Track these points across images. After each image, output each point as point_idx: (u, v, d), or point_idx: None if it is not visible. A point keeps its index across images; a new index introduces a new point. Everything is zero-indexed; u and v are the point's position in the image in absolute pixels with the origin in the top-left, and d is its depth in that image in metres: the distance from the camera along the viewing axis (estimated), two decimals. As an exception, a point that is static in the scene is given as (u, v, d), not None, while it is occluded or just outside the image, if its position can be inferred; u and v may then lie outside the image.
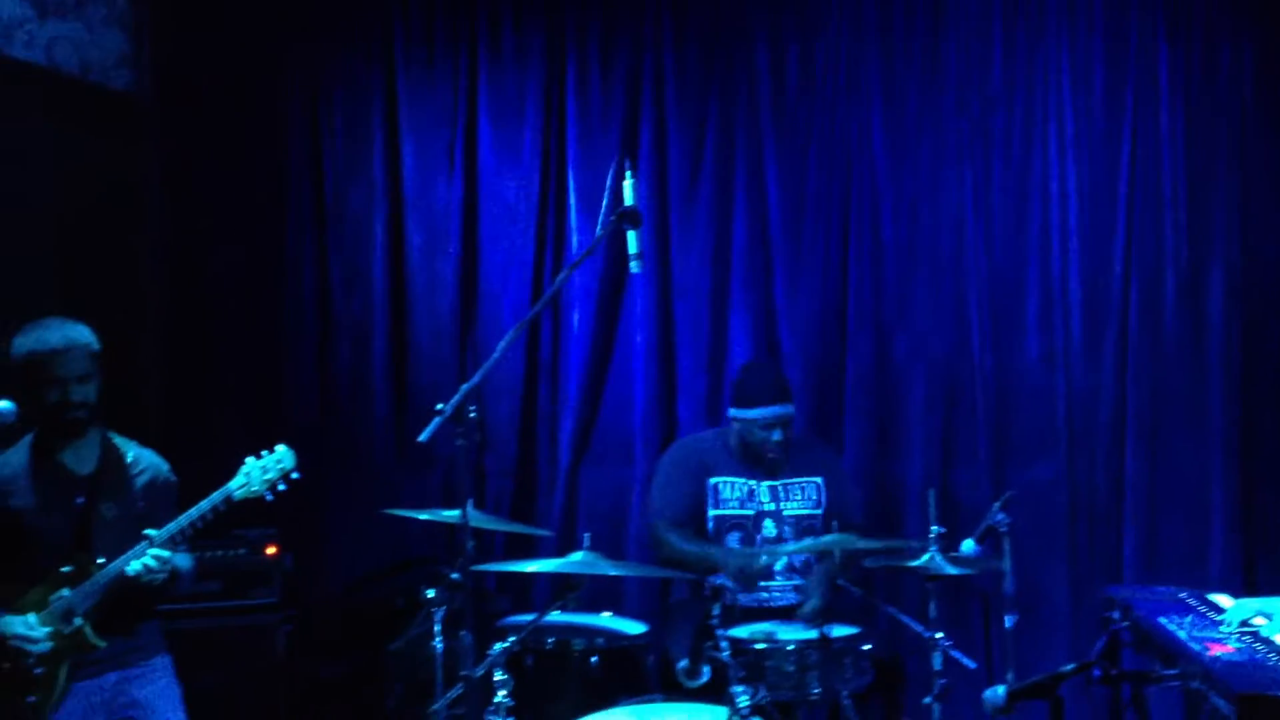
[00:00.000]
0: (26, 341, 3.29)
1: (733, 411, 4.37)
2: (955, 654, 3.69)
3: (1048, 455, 4.86)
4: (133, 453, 3.47)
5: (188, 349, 5.16)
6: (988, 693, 2.72)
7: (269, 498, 3.30)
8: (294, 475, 3.31)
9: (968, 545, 3.73)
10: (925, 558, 3.73)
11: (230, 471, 3.33)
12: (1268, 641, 3.02)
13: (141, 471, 3.45)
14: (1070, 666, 2.70)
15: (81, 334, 3.33)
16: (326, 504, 3.43)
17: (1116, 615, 3.41)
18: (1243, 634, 3.08)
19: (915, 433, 4.96)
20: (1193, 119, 4.82)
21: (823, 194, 5.06)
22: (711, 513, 4.36)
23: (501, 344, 3.20)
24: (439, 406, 3.05)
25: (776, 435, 4.26)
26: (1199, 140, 4.82)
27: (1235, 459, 4.76)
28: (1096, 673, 3.09)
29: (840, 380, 5.04)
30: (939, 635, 3.68)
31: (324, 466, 3.43)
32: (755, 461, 4.33)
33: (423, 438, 3.01)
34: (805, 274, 5.06)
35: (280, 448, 3.31)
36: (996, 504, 3.67)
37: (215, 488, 3.33)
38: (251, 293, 5.20)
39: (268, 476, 3.27)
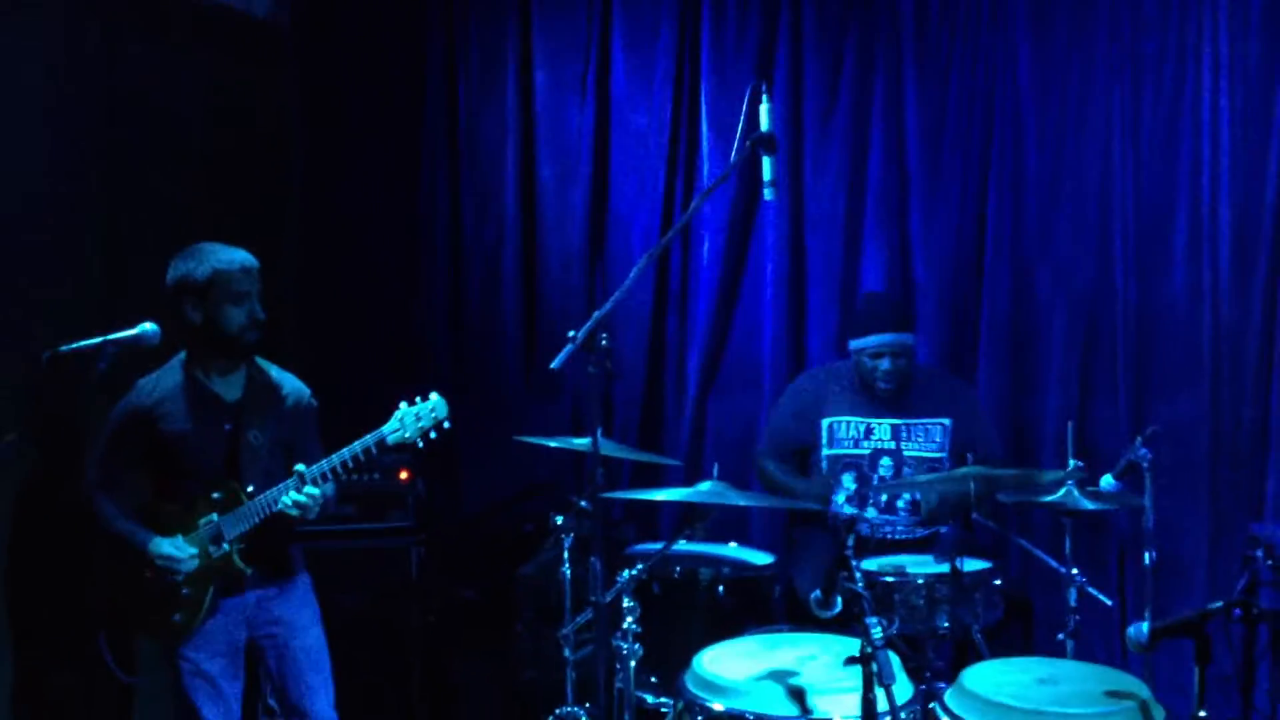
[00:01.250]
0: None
1: (850, 342, 4.33)
2: (1091, 590, 3.62)
3: (1190, 392, 4.69)
4: (275, 378, 3.51)
5: (323, 276, 5.28)
6: (1131, 629, 2.67)
7: (420, 445, 3.29)
8: (446, 425, 3.30)
9: (1107, 480, 3.63)
10: (1061, 492, 3.66)
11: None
12: None
13: (285, 396, 3.49)
14: (1218, 604, 2.63)
15: (251, 255, 3.36)
16: (458, 430, 3.47)
17: (1259, 554, 3.30)
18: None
19: (1053, 367, 4.84)
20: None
21: (962, 123, 4.93)
22: (826, 452, 4.34)
23: (633, 272, 3.19)
24: (570, 334, 3.07)
25: (885, 364, 4.21)
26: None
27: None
28: (1237, 611, 3.02)
29: (976, 314, 4.94)
30: (1074, 571, 3.62)
31: (455, 394, 3.44)
32: (874, 394, 4.28)
33: (555, 364, 3.03)
34: (941, 205, 4.95)
35: (434, 395, 3.30)
36: (1139, 438, 3.56)
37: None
38: (386, 220, 5.29)
39: (421, 424, 3.26)
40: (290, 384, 3.54)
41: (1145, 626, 2.64)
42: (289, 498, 3.24)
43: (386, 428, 3.27)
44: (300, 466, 3.26)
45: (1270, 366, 4.65)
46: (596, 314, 3.11)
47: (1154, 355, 4.76)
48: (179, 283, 3.30)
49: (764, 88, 3.30)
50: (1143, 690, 2.90)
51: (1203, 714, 2.57)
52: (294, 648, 3.48)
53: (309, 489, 3.24)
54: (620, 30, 5.15)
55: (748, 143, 3.30)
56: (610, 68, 5.19)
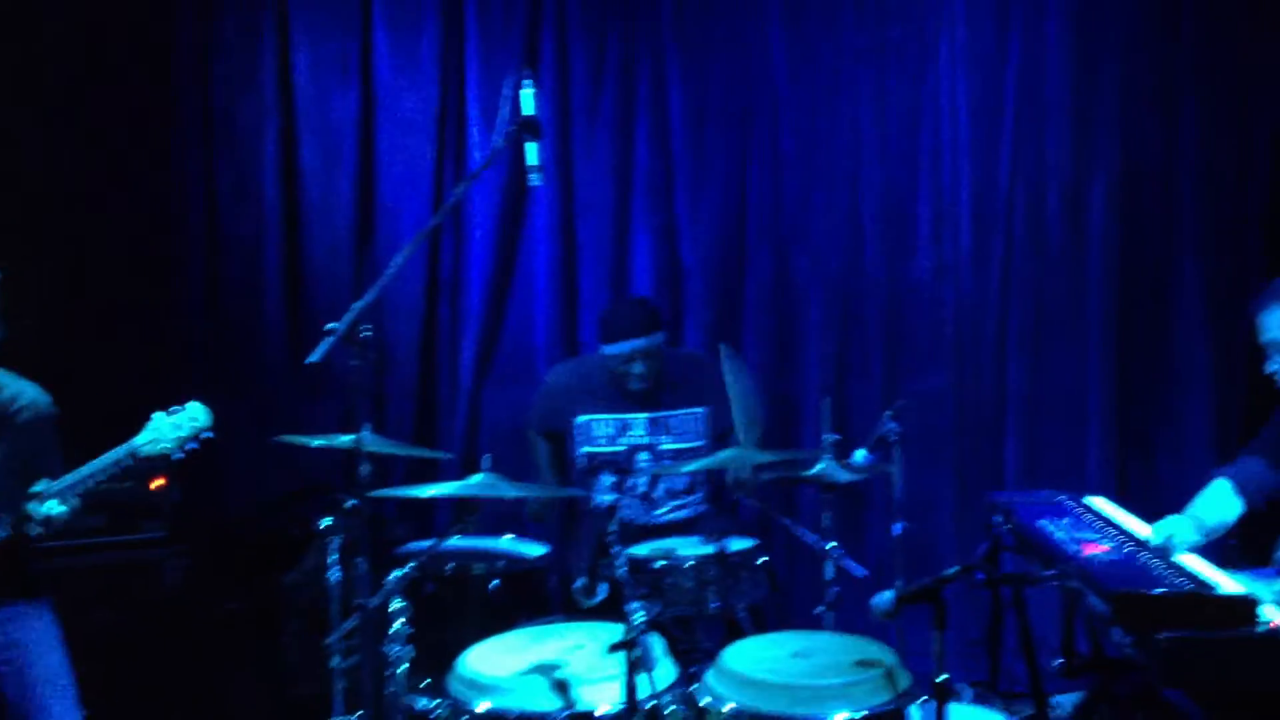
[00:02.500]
0: None
1: (601, 348, 4.36)
2: (846, 562, 3.77)
3: (937, 366, 4.99)
4: (12, 386, 3.33)
5: (65, 277, 4.98)
6: (875, 598, 2.78)
7: (178, 456, 3.18)
8: (206, 434, 3.20)
9: (860, 454, 3.79)
10: (819, 466, 3.79)
11: (118, 404, 3.23)
12: (1140, 542, 3.13)
13: (21, 408, 3.31)
14: (953, 570, 2.76)
15: None
16: (221, 433, 3.35)
17: (998, 520, 3.51)
18: (1116, 535, 3.19)
19: (812, 347, 5.04)
20: (1077, 32, 4.88)
21: (724, 110, 5.06)
22: (583, 450, 4.35)
23: (396, 260, 3.17)
24: (329, 326, 3.01)
25: (637, 368, 4.25)
26: (1082, 53, 4.89)
27: (1111, 370, 4.92)
28: (980, 576, 3.19)
29: (740, 296, 5.08)
30: (831, 545, 3.76)
31: (216, 394, 3.32)
32: (627, 391, 4.34)
33: (313, 358, 2.98)
34: (706, 190, 5.07)
35: (193, 404, 3.19)
36: (888, 412, 3.74)
37: (101, 423, 3.22)
38: (134, 212, 4.98)
39: (180, 434, 3.15)
40: (27, 393, 3.34)
41: (889, 594, 2.76)
42: (42, 510, 3.09)
43: (139, 439, 3.15)
44: (40, 485, 3.09)
45: (1005, 341, 4.95)
46: (357, 305, 3.06)
47: (904, 332, 5.02)
48: None
49: (527, 73, 3.31)
50: (889, 657, 3.05)
51: (943, 677, 2.68)
52: (33, 673, 3.31)
53: (48, 508, 3.08)
54: (382, 12, 5.04)
55: (512, 128, 3.31)
56: (373, 50, 5.07)
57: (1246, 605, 2.58)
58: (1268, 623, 2.56)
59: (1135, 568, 2.88)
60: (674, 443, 4.33)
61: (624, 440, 4.34)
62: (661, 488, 4.36)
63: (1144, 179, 4.91)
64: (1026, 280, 4.95)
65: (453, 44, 5.06)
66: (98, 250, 4.96)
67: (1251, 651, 2.51)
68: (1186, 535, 3.13)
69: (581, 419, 4.34)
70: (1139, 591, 2.64)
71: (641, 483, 4.35)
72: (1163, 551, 3.13)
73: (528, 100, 3.30)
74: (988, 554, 3.32)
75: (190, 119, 5.04)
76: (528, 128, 3.29)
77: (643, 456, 4.34)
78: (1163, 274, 4.95)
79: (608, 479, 4.31)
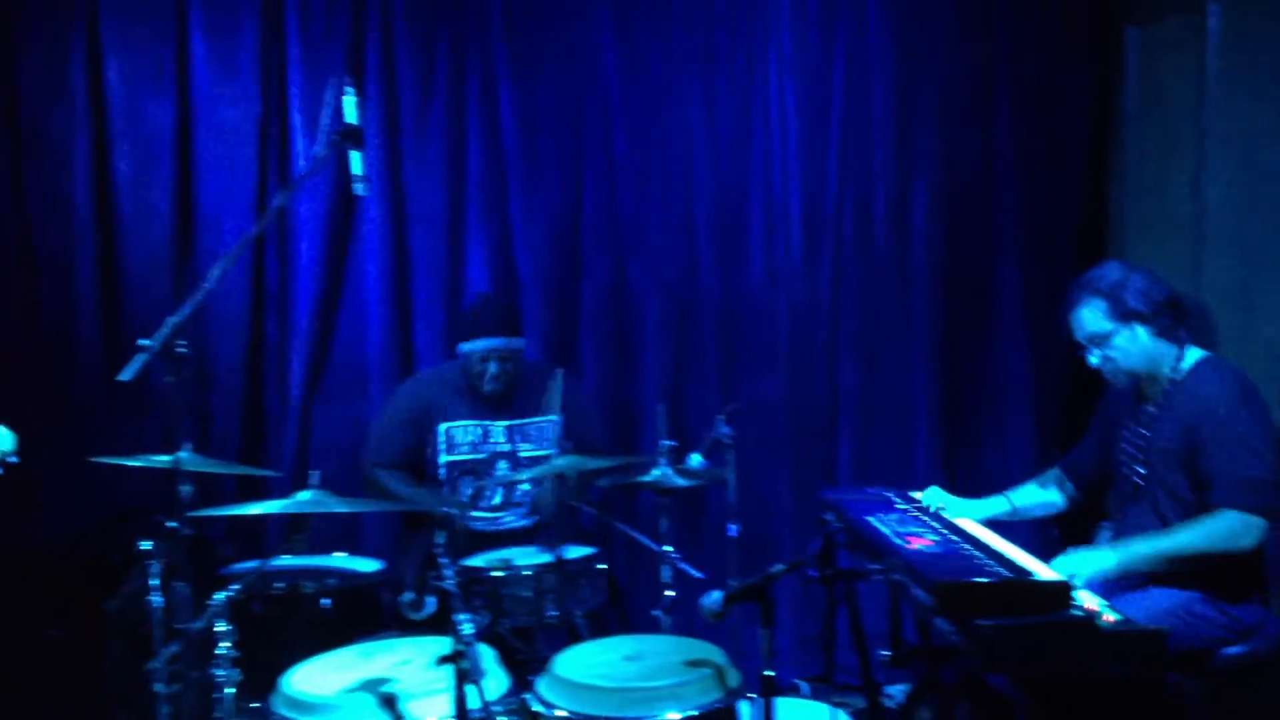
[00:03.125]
0: None
1: (458, 345, 4.33)
2: (683, 565, 3.80)
3: (772, 371, 5.05)
4: None
5: None
6: (704, 599, 2.81)
7: None
8: (11, 459, 3.06)
9: (695, 458, 3.83)
10: (656, 472, 3.83)
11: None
12: (963, 534, 3.24)
13: None
14: (780, 567, 2.81)
15: None
16: (34, 456, 3.19)
17: (830, 517, 3.58)
18: (942, 528, 3.28)
19: (650, 353, 5.05)
20: (898, 43, 5.01)
21: (557, 115, 5.03)
22: (444, 459, 4.32)
23: (213, 273, 3.06)
24: (142, 343, 2.91)
25: (493, 368, 4.24)
26: (904, 63, 5.02)
27: (937, 369, 5.06)
28: (813, 573, 3.25)
29: (577, 304, 5.07)
30: (667, 548, 3.78)
31: (30, 415, 3.16)
32: (485, 398, 4.30)
33: (125, 376, 2.87)
34: (541, 198, 5.04)
35: None
36: (720, 416, 3.78)
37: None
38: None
39: None
40: None
41: (718, 595, 2.78)
42: None
43: None
44: None
45: (837, 344, 5.06)
46: (171, 320, 2.96)
47: (739, 338, 5.07)
48: None
49: (348, 80, 3.26)
50: (719, 656, 3.09)
51: (769, 673, 2.72)
52: None
53: None
54: (199, 17, 4.86)
55: (334, 137, 3.25)
56: (190, 57, 4.88)
57: (1062, 590, 2.67)
58: (1082, 606, 2.66)
59: (957, 559, 2.96)
60: (532, 450, 4.33)
61: (486, 448, 4.32)
62: (504, 495, 4.34)
63: (965, 185, 5.07)
64: (856, 285, 5.06)
65: (273, 51, 4.91)
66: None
67: (1067, 635, 2.58)
68: (951, 503, 3.40)
69: (443, 426, 4.30)
70: (959, 581, 2.71)
71: (497, 497, 4.31)
72: (934, 514, 3.27)
73: (350, 108, 3.24)
74: (820, 551, 3.37)
75: (-1, 129, 4.80)
76: (350, 136, 3.24)
77: (502, 465, 4.31)
78: (984, 277, 5.11)
79: (467, 488, 4.28)
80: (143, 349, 2.93)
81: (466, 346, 4.28)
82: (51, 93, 4.83)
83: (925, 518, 3.44)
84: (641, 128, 5.05)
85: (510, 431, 4.34)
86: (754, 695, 2.82)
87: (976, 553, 3.00)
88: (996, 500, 3.74)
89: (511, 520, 4.36)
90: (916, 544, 3.10)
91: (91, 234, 4.82)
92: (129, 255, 4.88)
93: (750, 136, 5.04)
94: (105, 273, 4.86)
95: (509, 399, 4.34)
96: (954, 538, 3.18)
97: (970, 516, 3.62)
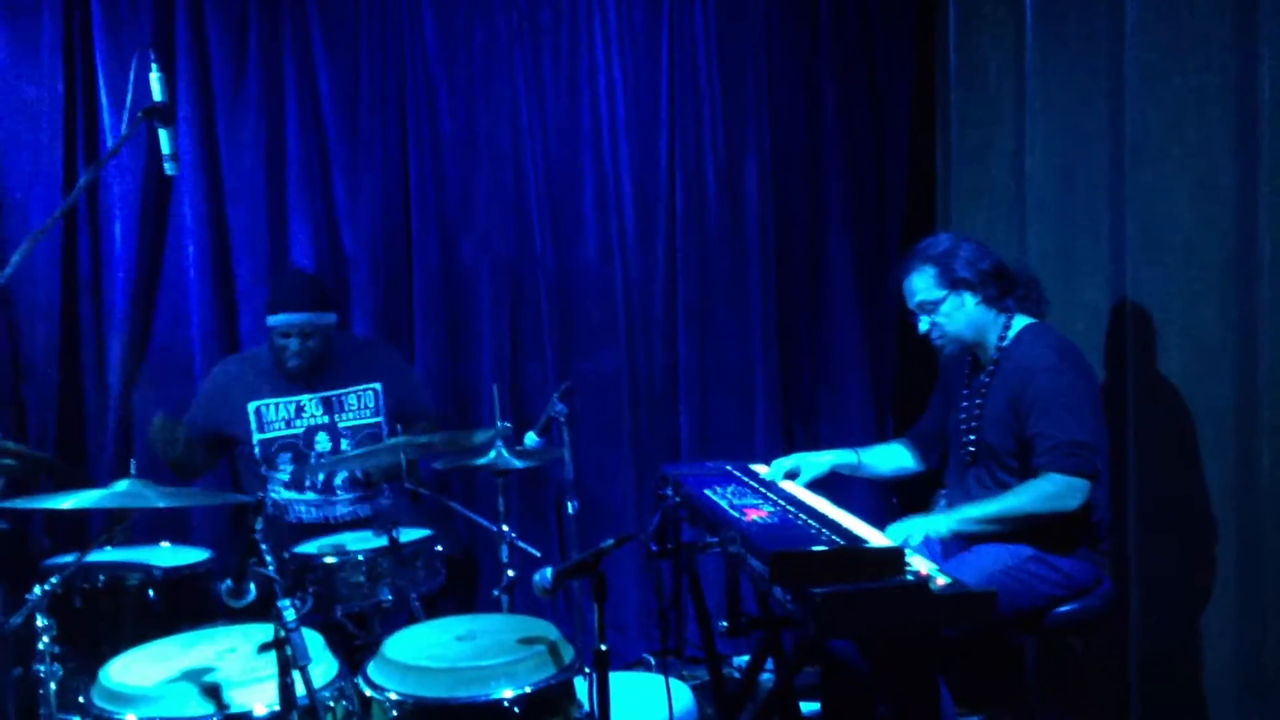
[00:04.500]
0: None
1: (265, 320, 4.24)
2: (521, 544, 3.78)
3: (609, 346, 5.03)
4: None
5: None
6: (536, 575, 2.80)
7: None
8: None
9: (530, 438, 3.82)
10: (492, 454, 3.78)
11: None
12: (800, 504, 3.27)
13: None
14: (609, 542, 2.80)
15: None
16: None
17: (669, 492, 3.58)
18: (779, 499, 3.32)
19: (485, 331, 4.98)
20: (724, 18, 5.02)
21: (377, 90, 4.91)
22: (257, 437, 4.23)
23: (14, 258, 2.90)
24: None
25: (293, 344, 4.17)
26: (730, 39, 5.03)
27: (774, 341, 5.11)
28: (654, 547, 3.25)
29: (409, 282, 4.97)
30: (505, 528, 3.75)
31: None
32: (291, 375, 4.22)
33: None
34: (365, 174, 4.92)
35: None
36: (555, 394, 3.76)
37: None
38: None
39: None
40: None
41: (550, 571, 2.77)
42: None
43: None
44: None
45: (674, 318, 5.08)
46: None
47: (575, 314, 5.04)
48: None
49: (152, 56, 3.12)
50: (552, 633, 3.08)
51: (603, 647, 2.73)
52: None
53: None
54: (-5, -6, 4.62)
55: (139, 115, 3.12)
56: (-15, 35, 4.65)
57: (895, 556, 2.71)
58: (914, 571, 2.71)
59: (793, 529, 2.98)
60: (352, 419, 4.24)
61: (300, 422, 4.23)
62: (340, 477, 4.24)
63: (793, 158, 5.11)
64: (692, 258, 5.06)
65: (75, 26, 4.69)
66: None
67: (900, 600, 2.61)
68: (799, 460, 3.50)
69: (251, 405, 4.21)
70: (794, 550, 2.72)
71: (319, 477, 4.21)
72: (771, 485, 3.34)
73: (156, 85, 3.12)
74: (659, 525, 3.38)
75: None
76: (158, 114, 3.12)
77: (321, 437, 4.21)
78: (816, 248, 5.17)
79: (286, 467, 4.17)
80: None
81: (270, 320, 4.21)
82: None
83: (763, 489, 3.47)
84: (466, 103, 4.97)
85: (325, 404, 4.26)
86: (588, 669, 2.80)
87: (812, 522, 3.04)
88: (843, 452, 3.80)
89: (345, 508, 4.26)
90: (753, 515, 3.12)
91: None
92: (-79, 242, 4.61)
93: (579, 111, 5.00)
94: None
95: (319, 372, 4.26)
96: (790, 509, 3.21)
97: (818, 467, 3.67)
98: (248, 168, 4.84)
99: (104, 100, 4.71)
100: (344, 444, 4.26)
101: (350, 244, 4.94)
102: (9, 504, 3.27)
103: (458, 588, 4.06)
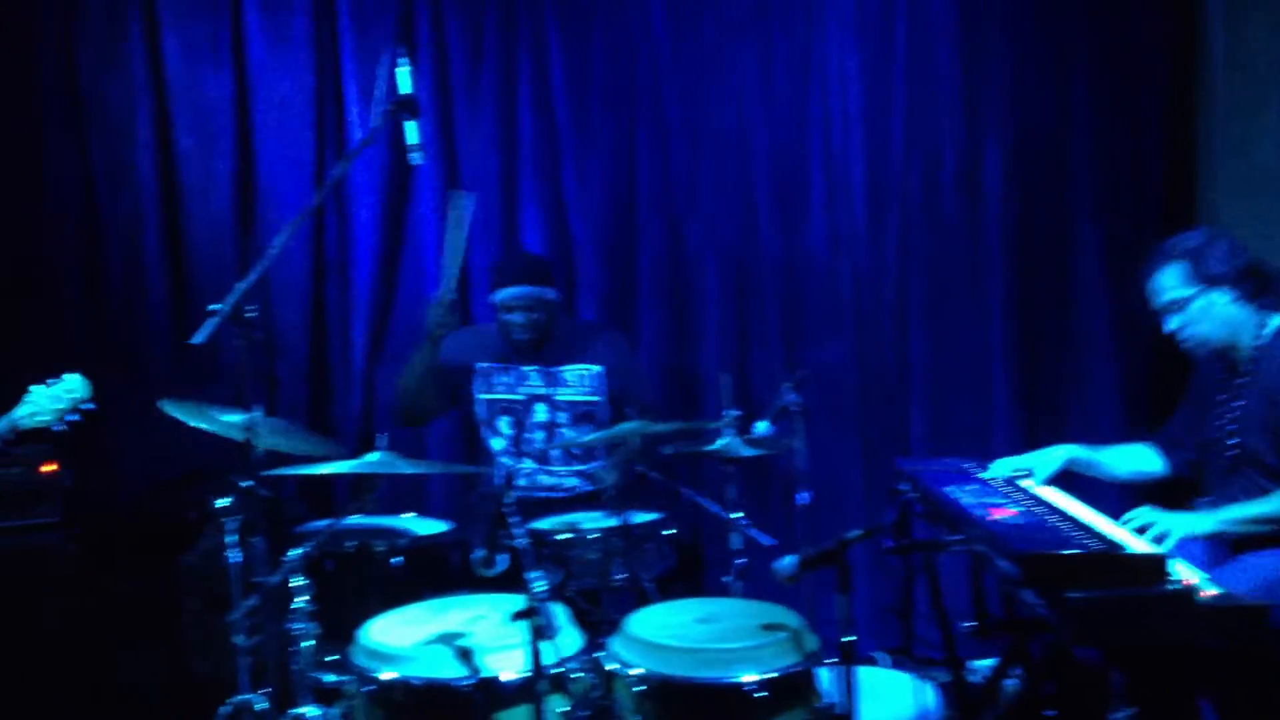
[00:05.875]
0: None
1: (490, 296, 4.37)
2: (752, 532, 3.77)
3: (837, 336, 4.98)
4: None
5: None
6: (777, 562, 2.78)
7: (58, 427, 3.10)
8: (87, 405, 3.10)
9: (761, 426, 3.79)
10: (722, 441, 3.79)
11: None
12: (1046, 504, 3.17)
13: None
14: (857, 532, 2.76)
15: None
16: (110, 416, 3.26)
17: (905, 487, 3.52)
18: (1023, 499, 3.22)
19: (710, 319, 5.01)
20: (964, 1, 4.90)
21: (608, 80, 4.99)
22: (481, 396, 4.36)
23: (277, 241, 3.07)
24: (213, 307, 2.94)
25: (518, 318, 4.26)
26: (971, 18, 4.91)
27: (1015, 335, 4.97)
28: (889, 543, 3.21)
29: (634, 269, 5.03)
30: (737, 515, 3.75)
31: (102, 377, 3.20)
32: (518, 348, 4.33)
33: (197, 339, 2.92)
34: (594, 162, 5.01)
35: (71, 376, 3.13)
36: (787, 384, 3.73)
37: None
38: (4, 195, 4.79)
39: (58, 406, 3.08)
40: None
41: (790, 559, 2.75)
42: None
43: (18, 411, 3.08)
44: None
45: (906, 309, 4.99)
46: (240, 285, 2.98)
47: (802, 303, 5.01)
48: None
49: (401, 50, 3.27)
50: (795, 621, 3.05)
51: (850, 639, 2.68)
52: None
53: None
54: (251, -9, 4.89)
55: (388, 107, 3.26)
56: (245, 30, 4.91)
57: (1157, 563, 2.60)
58: (1179, 580, 2.59)
59: (1043, 530, 2.89)
60: (572, 394, 4.33)
61: (522, 389, 4.34)
62: (559, 450, 4.33)
63: (1039, 147, 4.95)
64: (925, 248, 4.97)
65: (325, 22, 4.92)
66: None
67: (1162, 609, 2.50)
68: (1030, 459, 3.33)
69: (481, 365, 4.36)
70: (1048, 552, 2.64)
71: (538, 438, 4.32)
72: (1015, 484, 3.23)
73: (404, 78, 3.26)
74: (896, 522, 3.34)
75: (59, 104, 4.82)
76: (405, 106, 3.26)
77: (540, 407, 4.31)
78: (1062, 242, 5.00)
79: (506, 429, 4.30)
80: (213, 313, 2.97)
81: (495, 296, 4.32)
82: (111, 65, 4.86)
83: (1005, 487, 3.38)
84: (695, 91, 5.00)
85: (545, 376, 4.35)
86: (834, 661, 2.78)
87: (1062, 524, 2.94)
88: (1077, 448, 3.61)
89: (567, 482, 4.35)
90: (998, 514, 3.04)
91: (156, 203, 4.88)
92: (193, 224, 4.93)
93: (808, 97, 4.97)
94: (170, 241, 4.91)
95: (543, 349, 4.35)
96: (1037, 508, 3.11)
97: (1052, 464, 3.53)
98: (482, 157, 5.00)
99: (350, 92, 4.94)
100: (560, 416, 4.35)
101: (578, 230, 5.04)
102: (271, 472, 3.46)
103: (684, 572, 4.08)
